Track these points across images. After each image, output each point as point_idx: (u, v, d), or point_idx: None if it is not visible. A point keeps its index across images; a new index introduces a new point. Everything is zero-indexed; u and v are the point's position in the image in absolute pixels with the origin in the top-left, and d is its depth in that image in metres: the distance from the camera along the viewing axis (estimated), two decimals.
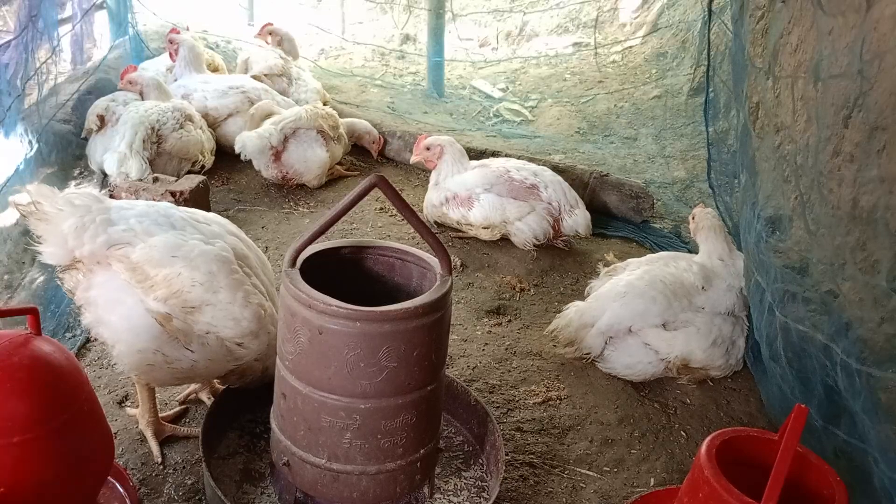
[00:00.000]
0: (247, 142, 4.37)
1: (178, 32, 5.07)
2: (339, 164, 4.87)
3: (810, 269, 2.48)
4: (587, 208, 4.09)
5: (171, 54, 5.11)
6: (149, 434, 2.48)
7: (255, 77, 5.21)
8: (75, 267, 2.32)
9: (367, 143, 5.02)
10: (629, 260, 3.36)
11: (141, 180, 3.95)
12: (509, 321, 3.46)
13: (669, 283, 3.04)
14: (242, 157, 4.43)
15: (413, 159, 4.24)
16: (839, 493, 1.77)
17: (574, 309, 3.16)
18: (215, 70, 5.42)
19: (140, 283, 2.25)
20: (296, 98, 5.31)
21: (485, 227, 3.99)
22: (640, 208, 4.49)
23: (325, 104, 5.33)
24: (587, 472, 2.58)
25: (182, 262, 2.25)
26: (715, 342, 3.03)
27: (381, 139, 5.05)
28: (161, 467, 2.41)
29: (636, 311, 3.00)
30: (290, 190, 4.57)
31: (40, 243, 2.27)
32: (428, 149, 4.12)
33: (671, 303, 3.00)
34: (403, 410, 2.06)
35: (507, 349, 3.22)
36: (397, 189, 2.07)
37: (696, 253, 3.61)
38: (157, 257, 2.25)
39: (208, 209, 3.84)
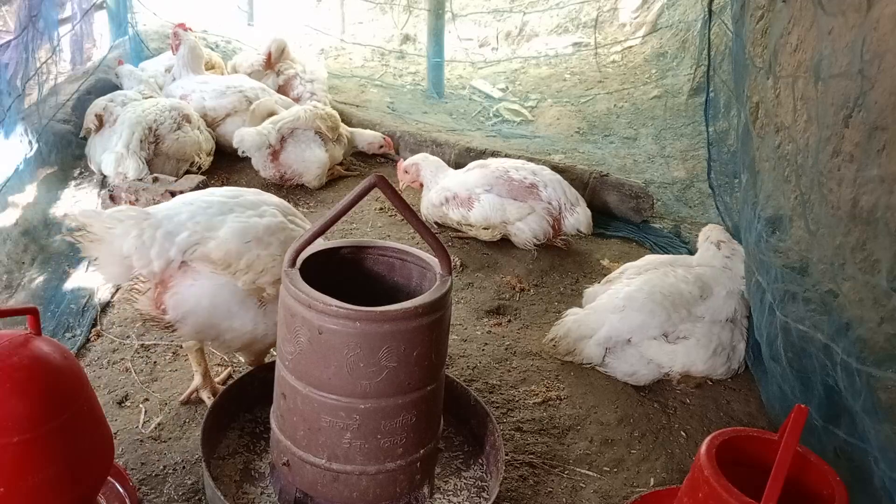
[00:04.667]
0: (245, 137, 4.38)
1: (187, 30, 5.08)
2: (340, 164, 4.87)
3: (810, 269, 2.48)
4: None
5: (172, 47, 5.13)
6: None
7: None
8: (136, 287, 2.37)
9: (373, 150, 5.02)
10: (626, 265, 3.35)
11: (140, 180, 3.95)
12: (509, 321, 3.46)
13: (668, 293, 3.03)
14: (240, 153, 4.43)
15: (402, 186, 4.24)
16: (839, 493, 1.77)
17: (572, 318, 3.16)
18: (212, 69, 5.44)
19: (225, 271, 2.36)
20: (302, 90, 5.41)
21: (485, 228, 3.99)
22: (640, 208, 4.49)
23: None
24: (587, 472, 2.58)
25: (255, 245, 2.37)
26: (715, 352, 3.02)
27: (388, 139, 5.02)
28: (161, 467, 2.41)
29: (634, 324, 3.00)
30: (289, 190, 4.57)
31: (95, 265, 2.32)
32: (406, 172, 4.18)
33: (670, 315, 3.00)
34: (403, 410, 2.05)
35: (507, 349, 3.22)
36: (397, 189, 2.07)
37: (694, 252, 3.62)
38: (235, 249, 2.35)
39: None
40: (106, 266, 2.30)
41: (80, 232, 2.26)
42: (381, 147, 4.99)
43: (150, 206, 2.49)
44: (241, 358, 2.95)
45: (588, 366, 3.10)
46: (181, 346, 2.99)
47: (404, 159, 4.28)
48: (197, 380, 2.71)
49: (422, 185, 4.17)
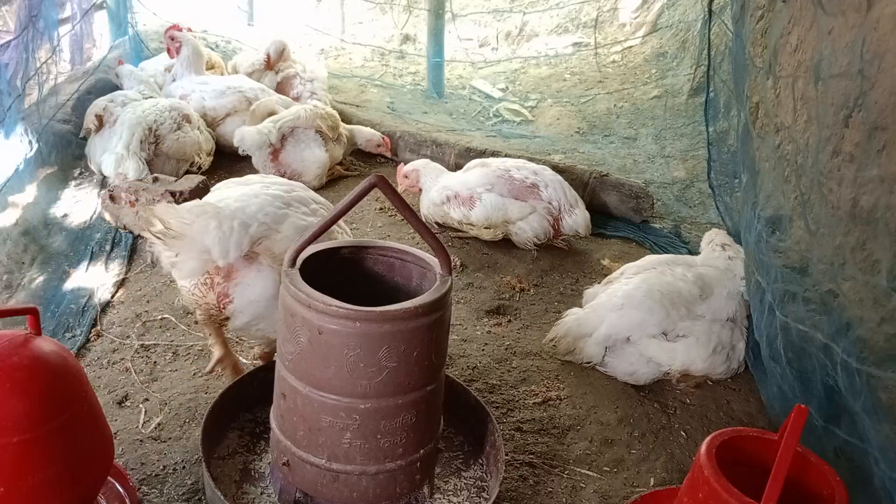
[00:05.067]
0: (245, 135, 4.38)
1: (181, 30, 5.07)
2: (339, 164, 4.87)
3: (810, 269, 2.48)
4: (587, 208, 4.09)
5: (168, 51, 5.11)
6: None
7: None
8: (205, 282, 2.41)
9: (371, 148, 5.00)
10: (626, 266, 3.36)
11: (140, 180, 3.95)
12: (509, 321, 3.46)
13: (667, 292, 3.03)
14: (241, 152, 4.43)
15: (400, 189, 4.22)
16: (839, 493, 1.77)
17: (572, 318, 3.16)
18: (212, 69, 5.44)
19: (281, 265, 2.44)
20: (302, 89, 5.41)
21: (486, 227, 3.99)
22: (640, 208, 4.49)
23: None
24: (587, 472, 2.58)
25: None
26: (715, 350, 3.02)
27: (386, 139, 5.01)
28: (161, 467, 2.41)
29: (633, 322, 3.00)
30: None
31: (174, 263, 2.35)
32: (406, 177, 4.17)
33: (669, 313, 3.00)
34: (403, 410, 2.05)
35: (507, 349, 3.22)
36: (397, 189, 2.08)
37: (695, 253, 3.62)
38: (286, 245, 2.39)
39: None
40: (186, 261, 2.33)
41: (161, 229, 2.28)
42: (379, 146, 4.96)
43: (212, 197, 2.54)
44: (256, 350, 2.92)
45: (588, 365, 3.10)
46: (188, 345, 2.99)
47: (405, 163, 4.27)
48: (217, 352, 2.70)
49: (420, 191, 4.17)
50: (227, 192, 2.58)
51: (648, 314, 2.99)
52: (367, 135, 4.95)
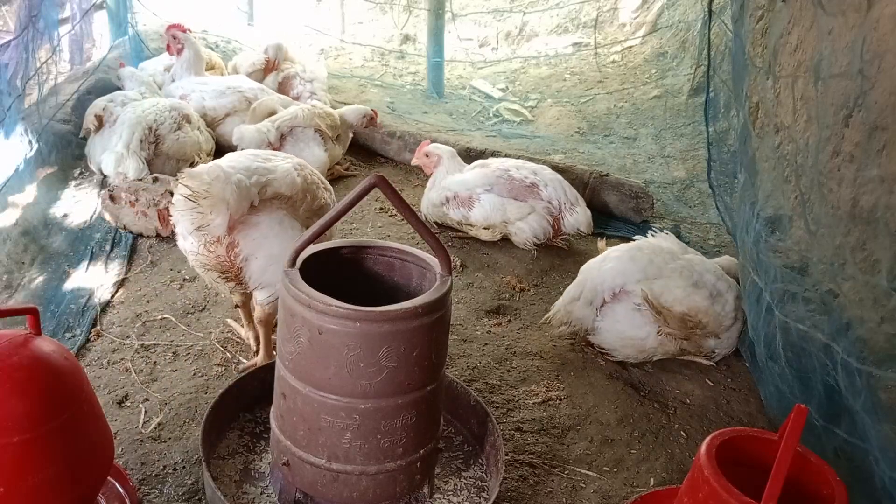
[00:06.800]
0: (245, 134, 4.38)
1: (185, 31, 5.07)
2: (339, 164, 4.86)
3: (810, 269, 2.48)
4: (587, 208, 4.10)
5: (168, 47, 5.09)
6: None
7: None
8: (213, 239, 2.57)
9: (366, 123, 4.85)
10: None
11: (140, 180, 3.95)
12: (509, 321, 3.46)
13: (646, 248, 3.20)
14: (239, 150, 4.42)
15: (413, 162, 4.31)
16: (839, 493, 1.77)
17: (565, 291, 3.28)
18: (212, 69, 5.44)
19: (286, 203, 2.66)
20: (302, 89, 5.41)
21: (485, 228, 3.99)
22: (640, 208, 4.49)
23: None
24: (587, 472, 2.58)
25: (302, 178, 2.73)
26: (696, 284, 3.10)
27: (375, 111, 4.90)
28: (161, 467, 2.41)
29: (617, 271, 3.12)
30: None
31: (206, 224, 2.49)
32: (427, 156, 4.19)
33: (652, 259, 3.13)
34: (403, 410, 2.06)
35: (507, 349, 3.22)
36: (397, 189, 2.08)
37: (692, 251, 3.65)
38: (290, 181, 2.66)
39: None
40: (216, 218, 2.49)
41: (190, 193, 2.44)
42: (370, 118, 4.82)
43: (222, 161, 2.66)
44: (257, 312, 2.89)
45: (581, 334, 3.17)
46: (188, 345, 2.99)
47: (431, 140, 4.35)
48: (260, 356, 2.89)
49: (430, 175, 4.18)
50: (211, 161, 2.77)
51: (630, 262, 3.13)
52: (359, 112, 4.81)
